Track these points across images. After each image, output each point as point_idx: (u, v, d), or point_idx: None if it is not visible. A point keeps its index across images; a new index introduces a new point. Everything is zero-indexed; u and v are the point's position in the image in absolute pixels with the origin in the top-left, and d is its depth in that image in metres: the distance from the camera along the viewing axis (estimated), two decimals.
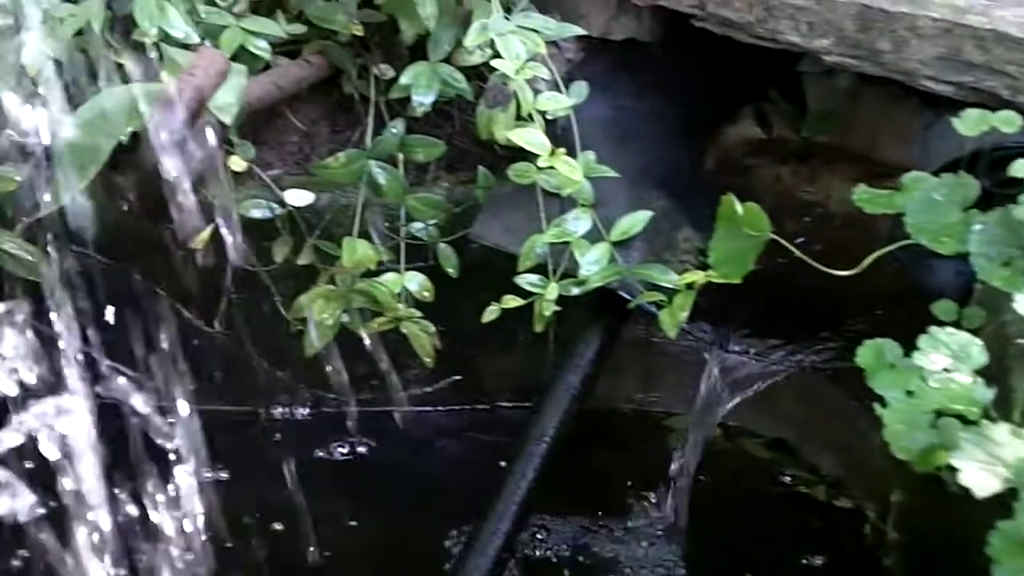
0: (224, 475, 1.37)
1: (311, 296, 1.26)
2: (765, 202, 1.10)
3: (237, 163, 1.30)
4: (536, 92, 1.14)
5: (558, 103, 1.13)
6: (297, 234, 1.34)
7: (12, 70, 1.17)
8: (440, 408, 1.52)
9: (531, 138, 1.10)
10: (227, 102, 1.04)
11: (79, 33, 1.22)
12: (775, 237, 1.04)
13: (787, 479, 1.51)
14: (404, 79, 1.27)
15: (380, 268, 1.30)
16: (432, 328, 1.27)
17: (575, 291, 1.22)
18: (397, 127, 1.30)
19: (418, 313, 1.26)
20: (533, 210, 1.25)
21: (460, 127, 1.42)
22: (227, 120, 1.06)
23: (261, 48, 1.25)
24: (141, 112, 1.06)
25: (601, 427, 1.49)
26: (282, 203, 1.33)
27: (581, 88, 1.23)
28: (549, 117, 1.18)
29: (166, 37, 1.21)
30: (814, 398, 1.43)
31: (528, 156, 1.19)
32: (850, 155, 1.41)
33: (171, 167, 0.94)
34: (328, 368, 1.37)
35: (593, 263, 1.22)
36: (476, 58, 1.24)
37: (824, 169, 1.39)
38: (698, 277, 1.09)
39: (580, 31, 1.28)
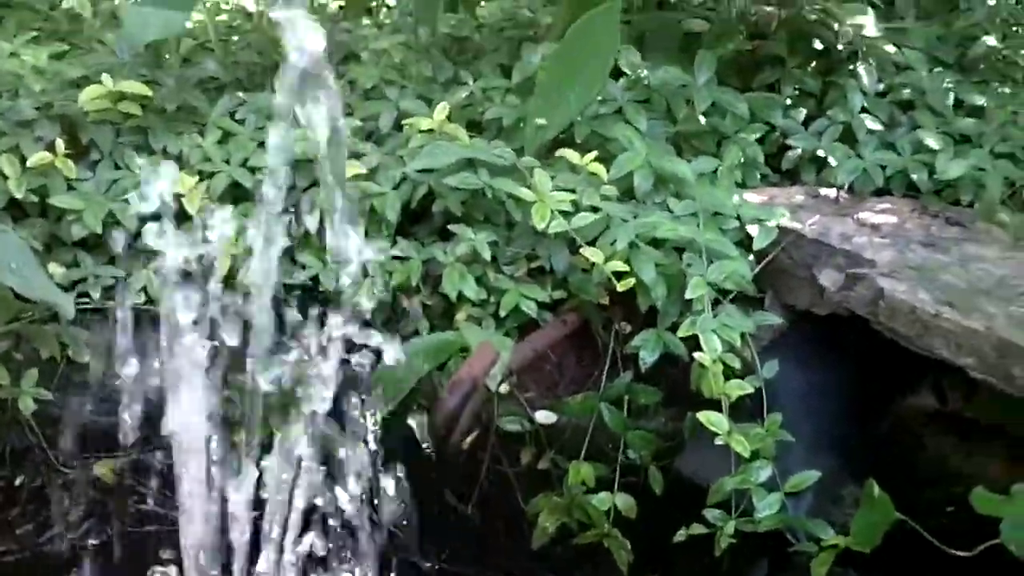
0: None
1: (541, 503, 1.63)
2: (921, 471, 1.37)
3: (502, 387, 1.71)
4: (727, 377, 1.47)
5: (741, 389, 1.46)
6: (540, 446, 1.73)
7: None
8: None
9: (712, 419, 1.44)
10: (493, 374, 1.46)
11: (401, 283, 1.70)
12: (902, 517, 1.32)
13: None
14: (635, 342, 1.64)
15: (601, 480, 1.67)
16: (628, 546, 1.61)
17: (749, 529, 1.52)
18: (626, 377, 1.67)
19: (618, 532, 1.60)
20: (727, 454, 1.58)
21: (682, 373, 1.77)
22: (492, 386, 1.48)
23: (530, 307, 1.67)
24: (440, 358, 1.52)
25: None
26: (532, 420, 1.73)
27: (772, 367, 1.56)
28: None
29: (461, 296, 1.66)
30: None
31: None
32: (1013, 437, 1.63)
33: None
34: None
35: (767, 507, 1.51)
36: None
37: (984, 447, 1.62)
38: (840, 542, 1.38)
39: (776, 320, 1.62)
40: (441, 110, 1.72)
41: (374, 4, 2.38)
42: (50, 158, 1.74)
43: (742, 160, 1.84)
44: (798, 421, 1.58)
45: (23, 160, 1.75)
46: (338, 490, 1.34)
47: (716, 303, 1.61)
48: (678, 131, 1.86)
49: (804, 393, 1.64)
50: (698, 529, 1.55)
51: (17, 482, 1.81)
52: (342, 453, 1.44)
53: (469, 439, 1.70)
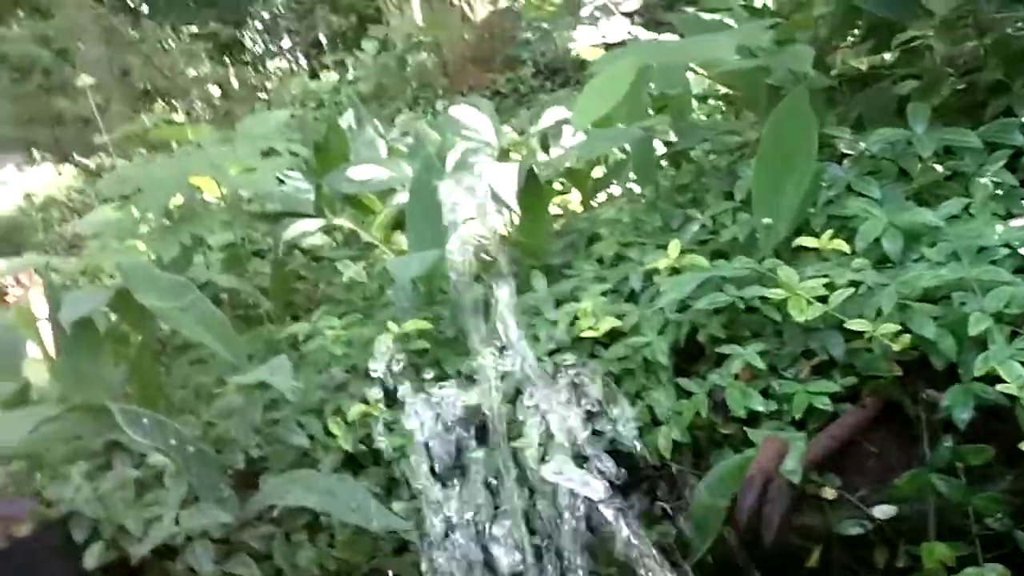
0: None
1: None
2: None
3: (829, 492, 1.65)
4: None
5: None
6: (890, 543, 1.63)
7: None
8: None
9: None
10: (792, 468, 1.43)
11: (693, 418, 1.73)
12: None
13: None
14: (944, 401, 1.55)
15: (965, 559, 1.54)
16: None
17: None
18: (948, 441, 1.56)
19: None
20: None
21: (1011, 425, 1.63)
22: (795, 480, 1.45)
23: (824, 403, 1.63)
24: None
25: None
26: (871, 518, 1.64)
27: None
28: None
29: (751, 411, 1.65)
30: None
31: None
32: None
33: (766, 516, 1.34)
34: None
35: None
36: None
37: None
38: None
39: None
40: (674, 247, 1.79)
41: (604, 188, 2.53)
42: (366, 409, 1.96)
43: (998, 192, 1.75)
44: None
45: (345, 418, 1.99)
46: None
47: (1014, 335, 1.50)
48: (918, 187, 1.81)
49: None
50: None
51: None
52: None
53: (815, 555, 1.65)
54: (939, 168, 1.79)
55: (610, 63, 1.73)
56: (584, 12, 4.84)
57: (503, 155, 2.55)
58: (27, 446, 2.01)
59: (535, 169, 2.16)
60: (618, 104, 1.75)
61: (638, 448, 1.76)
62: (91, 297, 2.13)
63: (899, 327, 1.51)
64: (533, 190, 2.14)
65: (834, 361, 1.67)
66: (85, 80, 2.88)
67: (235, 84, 8.83)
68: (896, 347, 1.50)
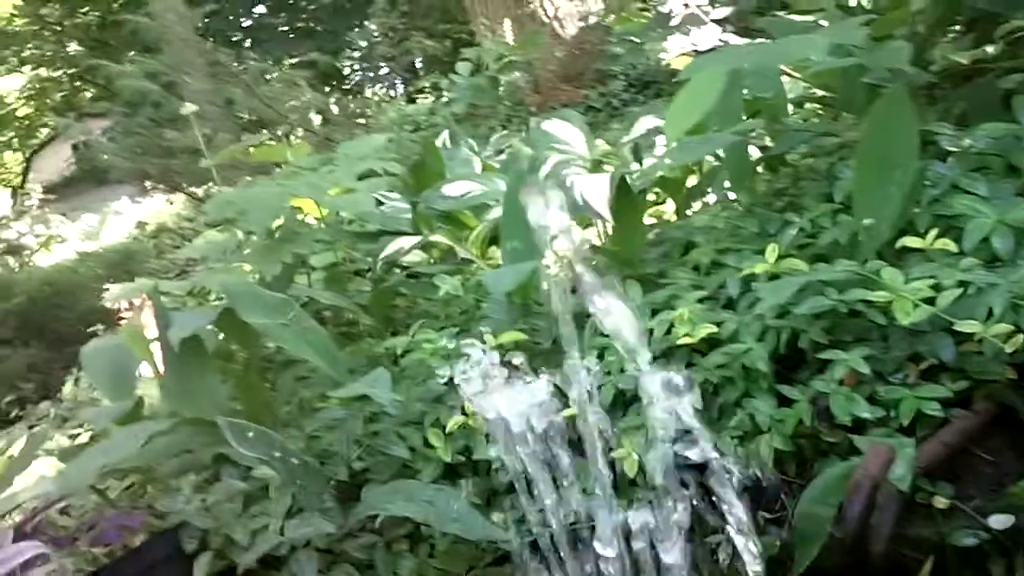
0: None
1: None
2: None
3: (941, 501, 1.60)
4: None
5: None
6: (1006, 553, 1.57)
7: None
8: None
9: None
10: (901, 475, 1.39)
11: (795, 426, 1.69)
12: None
13: None
14: None
15: None
16: None
17: None
18: None
19: None
20: None
21: None
22: (903, 488, 1.40)
23: (934, 408, 1.58)
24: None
25: None
26: (987, 529, 1.58)
27: None
28: None
29: (856, 419, 1.61)
30: None
31: None
32: None
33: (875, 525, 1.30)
34: None
35: None
36: None
37: None
38: None
39: None
40: (772, 252, 1.76)
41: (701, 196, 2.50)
42: (464, 420, 1.97)
43: None
44: None
45: (444, 430, 2.00)
46: None
47: None
48: None
49: None
50: None
51: None
52: None
53: (928, 566, 1.60)
54: None
55: (698, 68, 1.71)
56: (674, 22, 4.81)
57: (595, 166, 2.54)
58: (140, 460, 2.08)
59: (627, 179, 2.15)
60: (711, 110, 1.73)
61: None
62: (198, 316, 2.20)
63: (1012, 328, 1.46)
64: (626, 200, 2.13)
65: (943, 365, 1.62)
66: (190, 108, 2.98)
67: (334, 111, 9.05)
68: (1009, 349, 1.44)
